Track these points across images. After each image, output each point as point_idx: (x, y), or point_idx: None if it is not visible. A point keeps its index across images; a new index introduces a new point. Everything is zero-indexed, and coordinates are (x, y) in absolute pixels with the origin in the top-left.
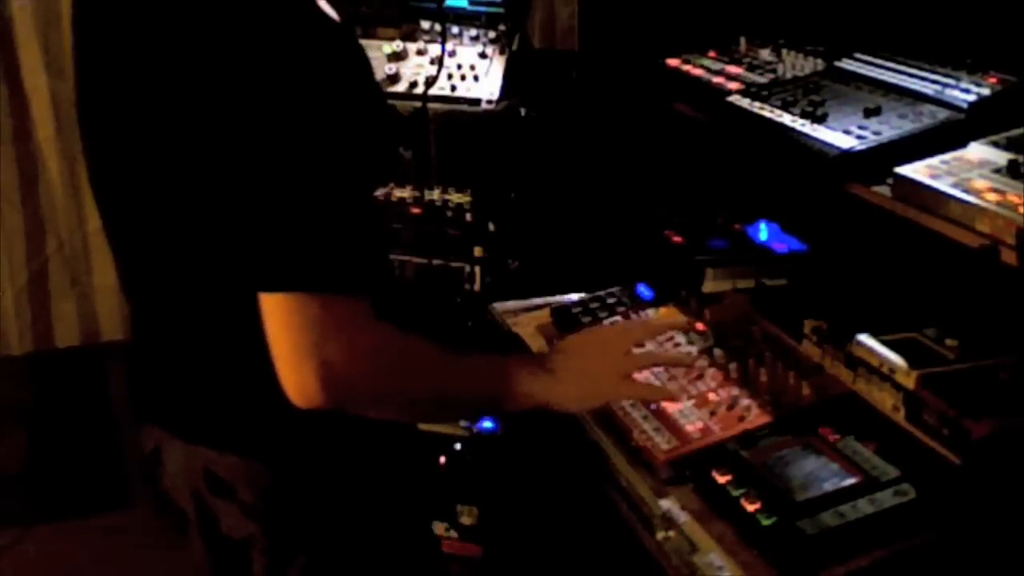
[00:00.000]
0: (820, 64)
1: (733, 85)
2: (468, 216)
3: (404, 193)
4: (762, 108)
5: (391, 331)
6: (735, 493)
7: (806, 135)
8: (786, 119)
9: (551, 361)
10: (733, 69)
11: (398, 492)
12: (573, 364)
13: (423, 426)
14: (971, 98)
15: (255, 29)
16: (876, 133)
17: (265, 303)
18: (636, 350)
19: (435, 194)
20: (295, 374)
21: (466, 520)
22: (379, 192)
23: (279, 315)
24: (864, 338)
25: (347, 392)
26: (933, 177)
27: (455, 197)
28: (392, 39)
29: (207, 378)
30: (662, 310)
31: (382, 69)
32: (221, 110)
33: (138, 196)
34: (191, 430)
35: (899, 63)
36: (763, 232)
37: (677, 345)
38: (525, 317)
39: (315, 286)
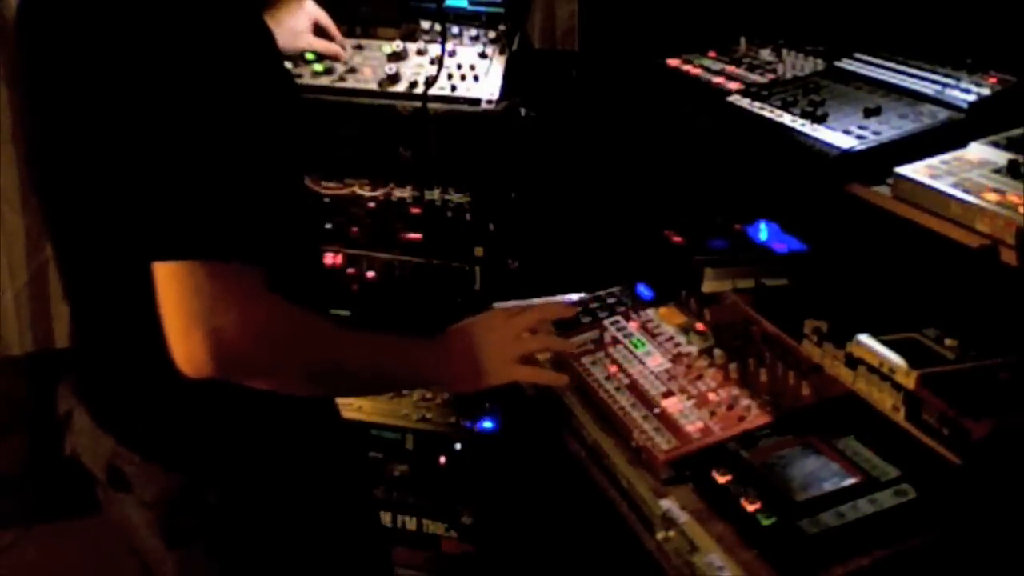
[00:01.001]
0: (820, 64)
1: (733, 85)
2: (468, 216)
3: (404, 193)
4: (762, 108)
5: (284, 303)
6: (735, 493)
7: (806, 135)
8: (786, 119)
9: (444, 342)
10: (733, 69)
11: (325, 506)
12: (465, 347)
13: (422, 425)
14: (971, 98)
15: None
16: (876, 133)
17: (157, 274)
18: (529, 335)
19: (435, 194)
20: (184, 342)
21: (466, 520)
22: (379, 192)
23: (170, 285)
24: (864, 338)
25: (235, 362)
26: (933, 177)
27: (455, 197)
28: (392, 39)
29: (117, 369)
30: (662, 310)
31: (382, 69)
32: (123, 82)
33: (60, 177)
34: (102, 416)
35: (899, 63)
36: (763, 232)
37: (677, 345)
38: None
39: (204, 254)
